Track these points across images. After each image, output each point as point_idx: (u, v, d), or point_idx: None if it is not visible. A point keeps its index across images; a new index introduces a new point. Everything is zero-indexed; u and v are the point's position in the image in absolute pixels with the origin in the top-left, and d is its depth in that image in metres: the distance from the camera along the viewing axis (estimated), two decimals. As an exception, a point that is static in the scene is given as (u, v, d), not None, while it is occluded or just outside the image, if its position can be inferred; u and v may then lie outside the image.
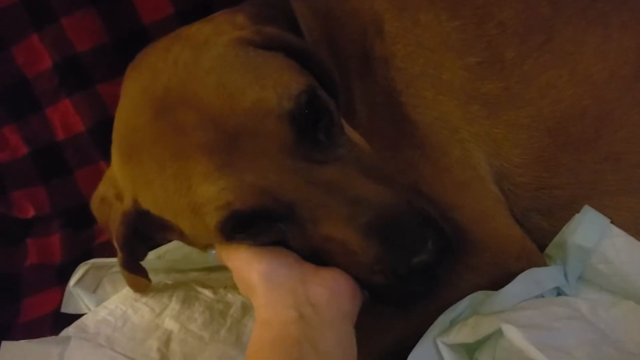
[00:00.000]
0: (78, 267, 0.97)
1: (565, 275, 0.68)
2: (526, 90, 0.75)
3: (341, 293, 0.60)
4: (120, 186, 0.69)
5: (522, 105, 0.74)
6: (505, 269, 0.68)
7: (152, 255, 0.94)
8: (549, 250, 0.72)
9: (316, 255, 0.62)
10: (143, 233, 0.70)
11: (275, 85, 0.60)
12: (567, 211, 0.72)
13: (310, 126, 0.61)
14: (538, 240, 0.73)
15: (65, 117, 1.08)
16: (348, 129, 0.66)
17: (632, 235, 0.69)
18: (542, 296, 0.65)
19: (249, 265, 0.62)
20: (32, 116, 1.08)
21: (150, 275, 0.82)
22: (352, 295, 0.61)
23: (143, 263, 0.79)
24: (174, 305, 0.88)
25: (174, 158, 0.60)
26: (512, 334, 0.56)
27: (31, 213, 1.11)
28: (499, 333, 0.58)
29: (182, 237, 0.69)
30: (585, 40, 0.74)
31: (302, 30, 0.76)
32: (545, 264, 0.70)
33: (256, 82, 0.60)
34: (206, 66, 0.62)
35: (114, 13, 1.01)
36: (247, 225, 0.61)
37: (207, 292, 0.90)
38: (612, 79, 0.72)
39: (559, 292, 0.67)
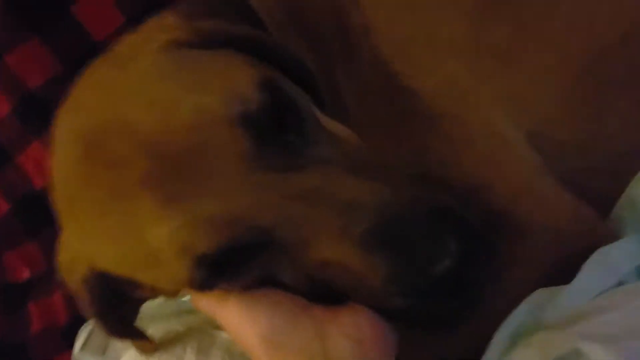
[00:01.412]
0: (80, 330, 0.87)
1: (644, 243, 0.54)
2: (545, 27, 0.60)
3: (367, 342, 0.48)
4: (72, 249, 0.57)
5: (543, 47, 0.61)
6: (564, 250, 0.55)
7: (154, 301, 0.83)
8: (616, 214, 0.58)
9: (317, 287, 0.50)
10: (119, 293, 0.59)
11: (219, 87, 0.49)
12: (630, 165, 0.58)
13: (275, 127, 0.49)
14: (599, 208, 0.59)
15: (39, 162, 0.98)
16: (329, 121, 0.54)
17: None
18: (622, 283, 0.51)
19: (243, 327, 0.50)
20: (4, 168, 0.99)
21: (159, 324, 0.73)
22: (381, 343, 0.48)
23: (146, 311, 0.68)
24: (190, 357, 0.77)
25: (114, 200, 0.49)
26: (597, 354, 0.41)
27: (27, 274, 1.02)
28: (575, 354, 0.43)
29: (153, 292, 0.58)
30: None
31: (259, 16, 0.64)
32: (614, 235, 0.56)
33: (194, 88, 0.49)
34: (134, 84, 0.51)
35: (61, 37, 0.91)
36: (222, 268, 0.49)
37: (223, 334, 0.78)
38: None
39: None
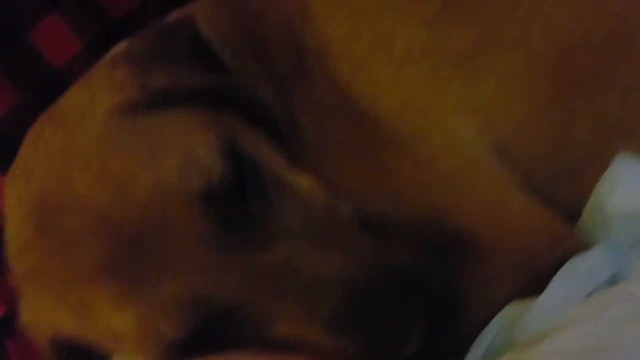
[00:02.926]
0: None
1: (616, 250, 0.52)
2: (506, 29, 0.59)
3: None
4: (34, 315, 0.56)
5: (505, 51, 0.59)
6: (535, 266, 0.53)
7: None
8: (584, 220, 0.56)
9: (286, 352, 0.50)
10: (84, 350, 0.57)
11: (176, 158, 0.47)
12: (597, 167, 0.56)
13: (236, 198, 0.48)
14: (571, 214, 0.57)
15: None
16: (290, 174, 0.53)
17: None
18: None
19: None
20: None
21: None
22: None
23: None
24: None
25: (72, 284, 0.48)
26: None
27: (2, 311, 0.99)
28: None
29: None
30: None
31: (214, 47, 0.62)
32: (585, 245, 0.54)
33: (149, 159, 0.47)
34: (84, 152, 0.49)
35: (18, 66, 0.87)
36: (189, 348, 0.48)
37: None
38: None
39: (613, 277, 0.51)
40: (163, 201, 0.46)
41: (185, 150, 0.48)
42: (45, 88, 0.87)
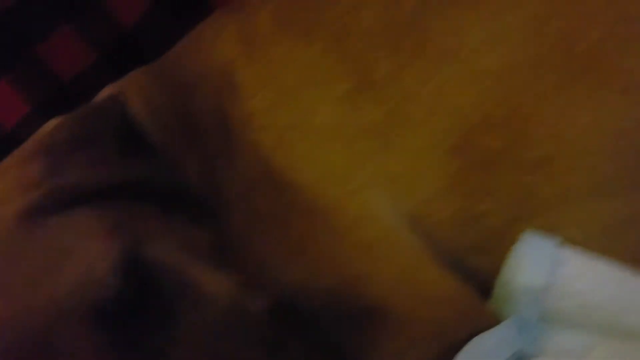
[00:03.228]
0: None
1: (521, 328, 0.53)
2: (413, 107, 0.60)
3: None
4: None
5: (414, 128, 0.60)
6: (446, 340, 0.54)
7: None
8: (495, 295, 0.57)
9: None
10: None
11: (76, 269, 0.47)
12: (506, 240, 0.58)
13: (134, 312, 0.47)
14: (481, 284, 0.58)
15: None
16: (200, 273, 0.53)
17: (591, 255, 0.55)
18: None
19: None
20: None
21: None
22: None
23: None
24: None
25: None
26: None
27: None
28: None
29: None
30: (467, 28, 0.59)
31: (142, 125, 0.63)
32: (496, 320, 0.55)
33: (52, 268, 0.47)
34: None
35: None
36: None
37: None
38: (509, 69, 0.58)
39: (520, 357, 0.52)
40: (59, 314, 0.45)
41: (85, 262, 0.47)
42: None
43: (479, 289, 0.58)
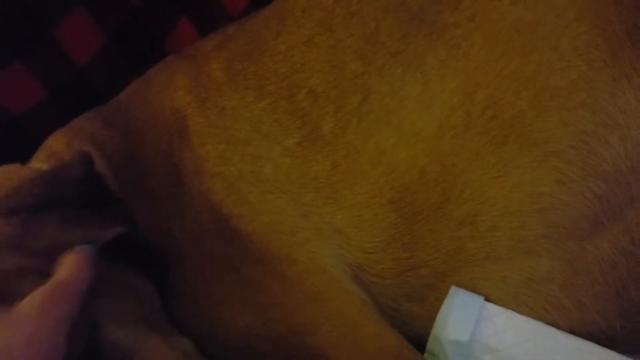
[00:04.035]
0: None
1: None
2: (355, 163, 0.63)
3: None
4: None
5: (356, 181, 0.63)
6: None
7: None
8: (430, 346, 0.61)
9: None
10: None
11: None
12: (438, 291, 0.62)
13: None
14: (417, 329, 0.63)
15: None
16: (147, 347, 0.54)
17: (513, 309, 0.59)
18: None
19: None
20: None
21: None
22: None
23: None
24: None
25: None
26: None
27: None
28: None
29: None
30: (405, 91, 0.62)
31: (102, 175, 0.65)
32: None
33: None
34: None
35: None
36: None
37: None
38: (442, 131, 0.61)
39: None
40: None
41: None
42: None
43: (414, 336, 0.62)
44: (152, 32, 0.91)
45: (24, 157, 0.74)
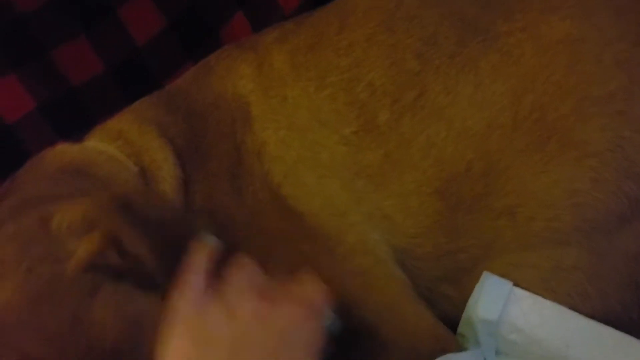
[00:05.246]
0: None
1: (482, 354, 0.64)
2: (407, 153, 0.69)
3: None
4: None
5: (405, 171, 0.69)
6: None
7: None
8: (461, 328, 0.68)
9: None
10: None
11: (115, 334, 0.53)
12: (472, 275, 0.68)
13: None
14: (450, 310, 0.69)
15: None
16: None
17: (541, 294, 0.65)
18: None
19: None
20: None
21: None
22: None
23: None
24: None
25: None
26: None
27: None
28: None
29: None
30: (458, 91, 0.68)
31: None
32: (462, 348, 0.66)
33: (96, 325, 0.53)
34: (62, 290, 0.54)
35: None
36: None
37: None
38: (491, 129, 0.67)
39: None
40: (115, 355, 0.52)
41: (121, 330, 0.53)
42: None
43: (444, 318, 0.68)
44: (209, 23, 0.97)
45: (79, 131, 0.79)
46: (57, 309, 0.53)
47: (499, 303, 0.64)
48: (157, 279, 0.56)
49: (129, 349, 0.53)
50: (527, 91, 0.66)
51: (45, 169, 0.71)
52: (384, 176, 0.70)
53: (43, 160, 0.73)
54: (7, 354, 0.53)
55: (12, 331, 0.53)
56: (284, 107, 0.72)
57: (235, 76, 0.75)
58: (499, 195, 0.67)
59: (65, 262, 0.55)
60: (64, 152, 0.73)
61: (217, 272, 0.56)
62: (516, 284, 0.66)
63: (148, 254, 0.56)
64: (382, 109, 0.70)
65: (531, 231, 0.66)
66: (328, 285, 0.64)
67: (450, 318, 0.69)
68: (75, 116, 0.93)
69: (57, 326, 0.53)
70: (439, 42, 0.70)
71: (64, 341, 0.52)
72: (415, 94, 0.69)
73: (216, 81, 0.76)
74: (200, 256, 0.56)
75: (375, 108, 0.70)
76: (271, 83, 0.73)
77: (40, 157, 0.73)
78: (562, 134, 0.65)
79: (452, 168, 0.68)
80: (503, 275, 0.67)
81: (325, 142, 0.71)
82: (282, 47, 0.75)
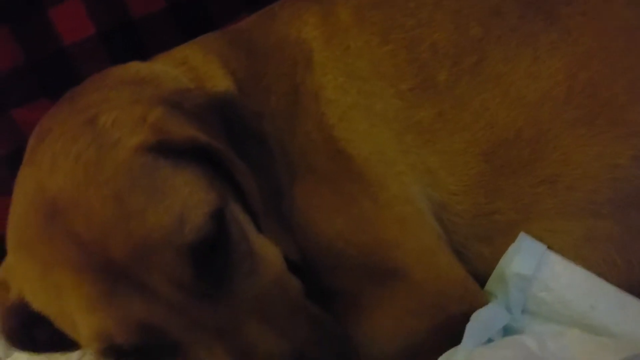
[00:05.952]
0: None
1: (509, 308, 0.68)
2: (460, 114, 0.73)
3: None
4: (11, 274, 0.64)
5: (456, 131, 0.73)
6: (447, 312, 0.68)
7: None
8: (490, 285, 0.71)
9: None
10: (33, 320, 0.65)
11: (179, 210, 0.57)
12: (507, 237, 0.72)
13: (209, 258, 0.58)
14: (480, 268, 0.73)
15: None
16: (258, 241, 0.63)
17: (572, 260, 0.69)
18: (490, 340, 0.64)
19: None
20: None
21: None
22: None
23: None
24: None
25: (59, 268, 0.57)
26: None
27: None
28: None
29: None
30: (517, 61, 0.72)
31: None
32: (488, 301, 0.69)
33: (159, 203, 0.57)
34: (107, 173, 0.57)
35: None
36: (129, 357, 0.58)
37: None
38: (544, 100, 0.71)
39: (506, 328, 0.67)
40: (159, 242, 0.55)
41: (188, 204, 0.58)
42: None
43: (475, 274, 0.72)
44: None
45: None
46: (102, 189, 0.56)
47: (533, 261, 0.68)
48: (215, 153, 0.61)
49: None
50: (582, 69, 0.71)
51: (106, 81, 0.74)
52: (434, 133, 0.73)
53: (108, 74, 0.76)
54: (62, 237, 0.56)
55: (65, 214, 0.57)
56: (346, 55, 0.75)
57: (300, 23, 0.78)
58: (543, 163, 0.71)
59: (111, 149, 0.58)
60: (131, 67, 0.76)
61: None
62: (549, 249, 0.70)
63: (198, 133, 0.61)
64: (442, 70, 0.73)
65: (569, 200, 0.70)
66: (370, 226, 0.69)
67: (480, 276, 0.72)
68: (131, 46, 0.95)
69: (101, 207, 0.56)
70: (503, 14, 0.74)
71: (107, 223, 0.55)
72: (475, 59, 0.73)
73: (280, 26, 0.79)
74: None
75: (434, 68, 0.74)
76: (336, 32, 0.76)
77: (105, 72, 0.76)
78: (611, 112, 0.70)
79: (502, 133, 0.72)
80: (537, 239, 0.70)
81: (382, 93, 0.74)
82: (347, 2, 0.78)
